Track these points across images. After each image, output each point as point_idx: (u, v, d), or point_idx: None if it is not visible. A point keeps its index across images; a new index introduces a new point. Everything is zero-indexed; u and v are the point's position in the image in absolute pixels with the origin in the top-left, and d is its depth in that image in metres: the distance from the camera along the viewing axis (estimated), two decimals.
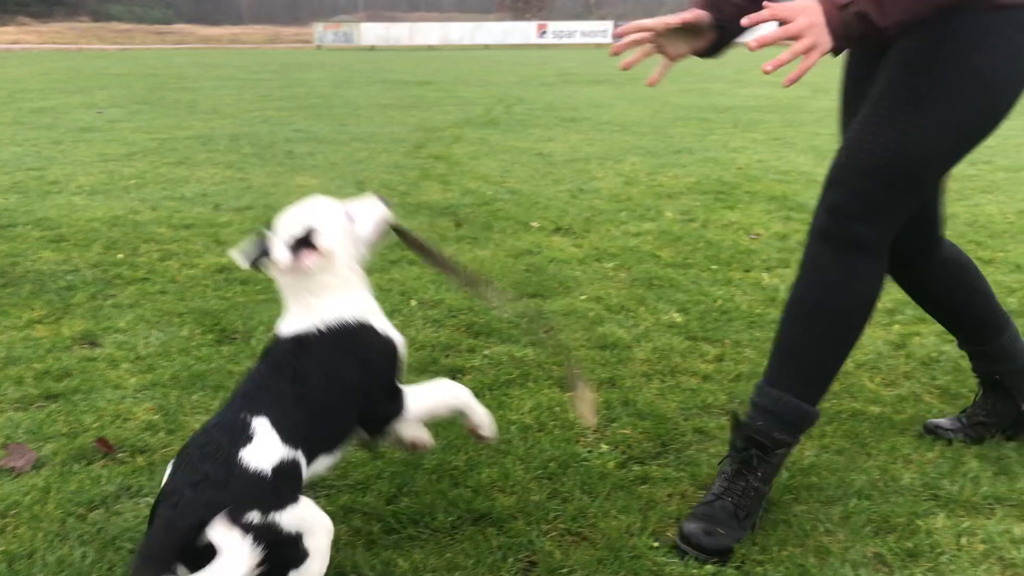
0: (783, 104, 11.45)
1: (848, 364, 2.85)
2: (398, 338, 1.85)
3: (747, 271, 3.93)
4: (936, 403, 2.59)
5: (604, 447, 2.32)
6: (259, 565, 1.48)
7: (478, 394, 2.61)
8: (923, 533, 1.91)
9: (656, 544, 1.89)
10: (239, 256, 1.76)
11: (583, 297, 3.56)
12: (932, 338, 3.09)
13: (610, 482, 2.13)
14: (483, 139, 8.32)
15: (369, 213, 1.86)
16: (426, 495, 2.07)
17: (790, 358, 1.98)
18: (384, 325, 1.83)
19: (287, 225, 1.76)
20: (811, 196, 5.51)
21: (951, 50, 1.80)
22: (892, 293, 3.51)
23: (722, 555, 1.84)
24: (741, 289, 3.65)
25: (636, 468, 2.22)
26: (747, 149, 7.61)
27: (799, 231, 4.63)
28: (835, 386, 2.68)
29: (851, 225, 1.88)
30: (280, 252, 1.73)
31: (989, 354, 2.30)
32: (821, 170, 6.81)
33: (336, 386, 1.71)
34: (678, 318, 3.30)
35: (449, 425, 2.40)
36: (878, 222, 1.89)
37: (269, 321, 3.01)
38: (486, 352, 2.95)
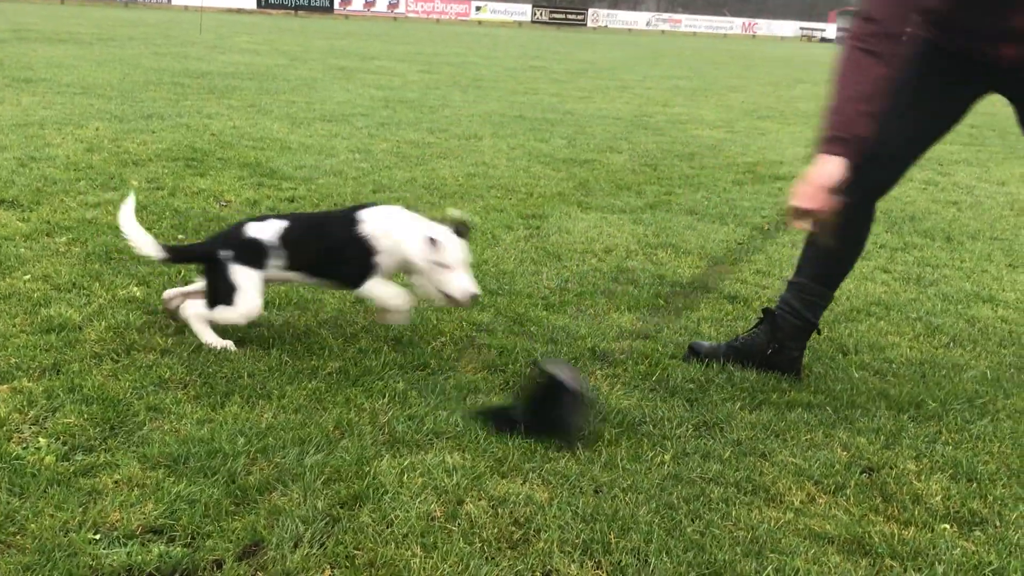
0: (261, 72, 11.40)
1: (312, 322, 2.93)
2: None
3: None
4: (390, 352, 2.75)
5: (42, 441, 2.08)
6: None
7: None
8: (370, 477, 2.02)
9: (97, 536, 1.75)
10: None
11: (27, 277, 3.17)
12: None
13: (46, 478, 1.92)
14: None
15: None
16: None
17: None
18: None
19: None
20: (284, 162, 5.56)
21: None
22: None
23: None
24: None
25: (80, 458, 2.03)
26: (222, 115, 7.43)
27: (270, 197, 4.64)
28: (296, 346, 2.74)
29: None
30: None
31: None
32: (295, 137, 6.91)
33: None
34: (138, 292, 3.10)
35: None
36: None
37: None
38: None
